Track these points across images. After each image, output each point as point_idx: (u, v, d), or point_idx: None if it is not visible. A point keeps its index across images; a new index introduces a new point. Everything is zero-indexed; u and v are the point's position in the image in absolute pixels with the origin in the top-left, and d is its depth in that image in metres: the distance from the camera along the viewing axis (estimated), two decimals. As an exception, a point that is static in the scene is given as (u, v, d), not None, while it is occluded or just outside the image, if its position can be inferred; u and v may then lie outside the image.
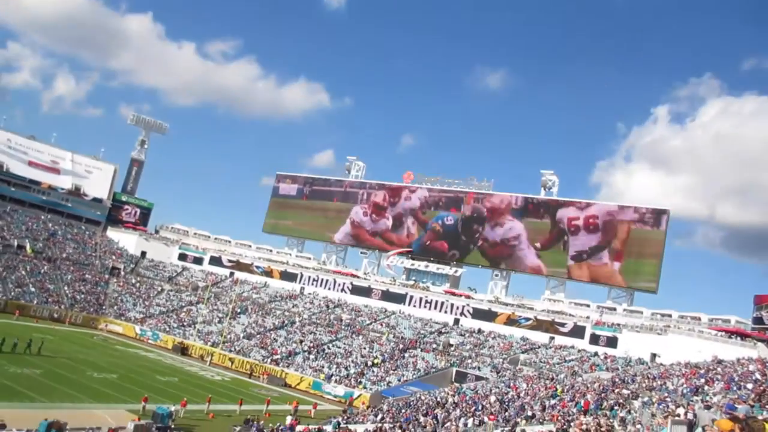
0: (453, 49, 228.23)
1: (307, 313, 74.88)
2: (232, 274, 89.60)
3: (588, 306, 69.71)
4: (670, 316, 64.68)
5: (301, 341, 64.45)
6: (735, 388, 24.91)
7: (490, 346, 64.69)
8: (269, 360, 59.07)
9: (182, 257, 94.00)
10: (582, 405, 28.37)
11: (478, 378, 54.35)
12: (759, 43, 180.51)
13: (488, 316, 70.72)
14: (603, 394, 31.39)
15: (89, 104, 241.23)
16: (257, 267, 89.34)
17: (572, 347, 62.61)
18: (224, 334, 64.27)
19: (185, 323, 69.96)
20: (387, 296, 78.01)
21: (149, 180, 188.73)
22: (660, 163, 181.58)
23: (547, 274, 74.21)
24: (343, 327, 69.77)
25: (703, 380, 29.44)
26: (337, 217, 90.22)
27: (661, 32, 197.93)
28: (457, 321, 72.11)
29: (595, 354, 59.84)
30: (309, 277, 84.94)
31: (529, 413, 30.16)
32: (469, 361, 60.36)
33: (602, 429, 16.37)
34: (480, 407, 33.87)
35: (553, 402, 32.87)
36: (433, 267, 79.83)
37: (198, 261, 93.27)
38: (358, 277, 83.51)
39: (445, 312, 73.52)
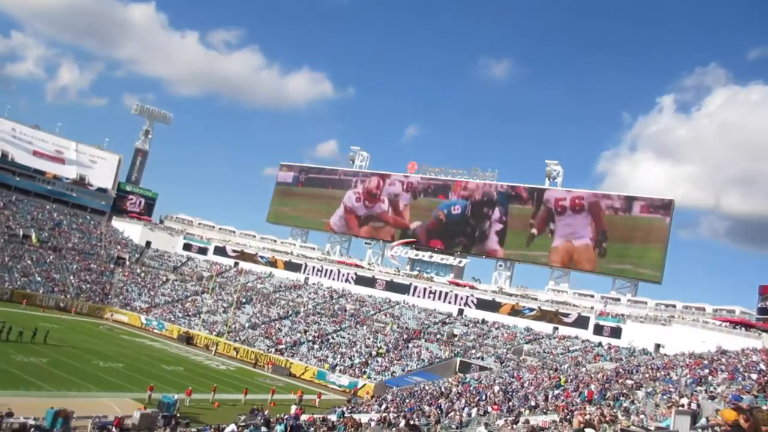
0: (457, 39, 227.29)
1: (312, 303, 75.10)
2: (236, 264, 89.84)
3: (592, 296, 69.72)
4: (674, 306, 64.63)
5: (306, 331, 64.69)
6: (739, 379, 24.93)
7: (494, 337, 64.81)
8: (274, 350, 59.33)
9: (187, 247, 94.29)
10: (585, 395, 28.45)
11: (482, 368, 54.49)
12: (765, 32, 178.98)
13: (492, 306, 70.80)
14: (606, 385, 31.48)
15: (93, 94, 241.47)
16: (261, 257, 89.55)
17: (576, 337, 62.66)
18: (229, 324, 64.55)
19: (190, 313, 70.28)
20: (391, 286, 78.14)
21: (153, 170, 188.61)
22: (665, 153, 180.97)
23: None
24: (347, 317, 69.98)
25: (707, 371, 29.46)
26: (332, 204, 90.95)
27: (667, 21, 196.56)
28: (461, 311, 72.22)
29: (599, 344, 59.91)
30: (313, 267, 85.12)
31: (533, 403, 30.26)
32: (473, 351, 60.50)
33: (606, 419, 16.40)
34: (484, 397, 34.01)
35: (556, 392, 32.98)
36: (437, 257, 79.83)
37: (202, 251, 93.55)
38: (362, 267, 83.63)
39: (449, 302, 73.63)
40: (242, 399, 37.95)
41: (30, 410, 24.75)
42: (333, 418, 29.67)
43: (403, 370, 55.00)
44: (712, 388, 22.95)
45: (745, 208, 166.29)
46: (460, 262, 79.08)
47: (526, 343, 62.33)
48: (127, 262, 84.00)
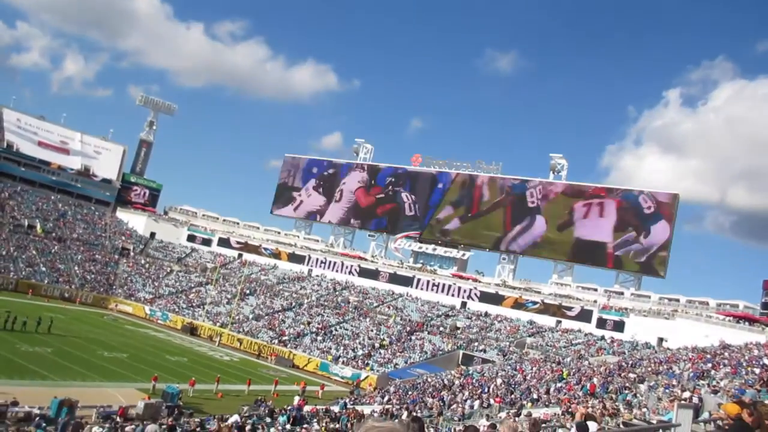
0: (463, 32, 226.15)
1: (315, 295, 75.25)
2: (240, 255, 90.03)
3: (595, 290, 69.67)
4: (677, 300, 64.56)
5: (309, 323, 64.86)
6: (743, 373, 24.92)
7: (497, 330, 64.88)
8: (277, 341, 59.54)
9: (191, 238, 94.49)
10: (588, 388, 28.49)
11: (485, 361, 54.56)
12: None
13: (495, 299, 70.83)
14: (609, 378, 31.52)
15: (98, 85, 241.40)
16: (265, 249, 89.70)
17: (579, 331, 62.66)
18: (233, 315, 64.75)
19: (194, 304, 70.52)
20: (394, 279, 78.23)
21: (158, 161, 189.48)
22: (671, 147, 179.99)
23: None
24: (350, 309, 70.13)
25: (710, 365, 29.46)
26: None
27: (674, 14, 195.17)
28: (464, 304, 72.29)
29: (602, 338, 59.93)
30: (317, 260, 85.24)
31: (535, 396, 30.34)
32: (476, 344, 60.58)
33: (608, 412, 16.44)
34: (486, 390, 34.09)
35: (559, 385, 33.03)
36: (440, 250, 79.85)
37: (207, 242, 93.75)
38: (365, 259, 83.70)
39: (453, 295, 73.68)
40: (246, 390, 38.12)
41: (35, 399, 24.94)
42: (336, 409, 29.83)
43: (406, 362, 55.14)
44: (714, 383, 22.97)
45: (751, 203, 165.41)
46: (463, 255, 79.07)
47: (529, 336, 62.38)
48: (132, 253, 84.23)
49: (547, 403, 27.50)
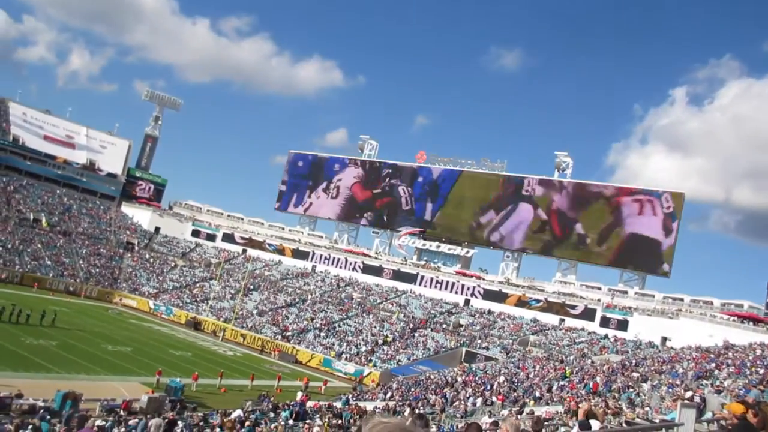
0: (468, 29, 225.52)
1: (319, 291, 75.35)
2: (244, 251, 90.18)
3: (599, 289, 69.50)
4: (681, 300, 64.33)
5: (312, 319, 64.97)
6: (747, 373, 24.86)
7: (500, 327, 64.84)
8: (280, 337, 59.66)
9: (195, 233, 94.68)
10: (591, 387, 28.47)
11: (488, 358, 54.57)
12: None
13: (499, 297, 70.77)
14: (612, 377, 31.48)
15: (104, 79, 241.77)
16: (269, 245, 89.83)
17: (582, 329, 62.56)
18: (236, 311, 64.90)
19: (198, 299, 70.72)
20: (398, 276, 78.22)
21: (163, 156, 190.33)
22: (676, 146, 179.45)
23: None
24: (354, 305, 70.19)
25: (713, 365, 29.40)
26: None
27: (681, 12, 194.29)
28: (467, 301, 72.25)
29: (605, 337, 59.80)
30: (321, 256, 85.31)
31: (538, 394, 30.33)
32: (479, 341, 60.58)
33: (610, 411, 16.41)
34: (489, 387, 34.10)
35: (562, 383, 33.02)
36: (444, 247, 79.76)
37: (211, 237, 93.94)
38: (369, 256, 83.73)
39: (456, 292, 73.64)
40: (249, 385, 38.26)
41: (39, 392, 25.08)
42: (338, 405, 29.90)
43: (409, 359, 55.20)
44: (718, 382, 22.92)
45: (756, 202, 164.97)
46: (467, 252, 78.98)
47: (532, 334, 62.32)
48: (136, 248, 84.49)
49: (548, 402, 27.50)
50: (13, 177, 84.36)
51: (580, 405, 16.80)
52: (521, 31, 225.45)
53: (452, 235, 79.97)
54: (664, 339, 56.89)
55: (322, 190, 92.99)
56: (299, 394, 33.82)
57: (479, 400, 29.50)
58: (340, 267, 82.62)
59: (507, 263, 76.78)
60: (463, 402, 29.64)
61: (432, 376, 43.61)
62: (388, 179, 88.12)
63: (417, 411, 23.91)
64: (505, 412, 24.28)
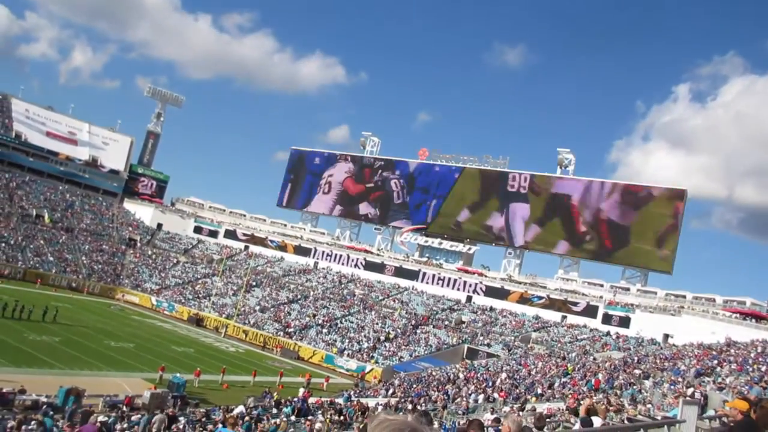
0: (470, 26, 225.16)
1: (321, 287, 75.40)
2: (246, 247, 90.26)
3: (601, 286, 69.42)
4: (684, 297, 64.22)
5: (315, 315, 65.05)
6: (749, 370, 24.85)
7: (502, 324, 64.84)
8: (283, 333, 59.75)
9: (198, 230, 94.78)
10: (593, 383, 28.46)
11: (490, 355, 54.61)
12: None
13: (501, 294, 70.76)
14: (614, 374, 31.47)
15: (106, 76, 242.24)
16: (272, 241, 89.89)
17: (584, 326, 62.55)
18: (239, 307, 65.00)
19: (200, 295, 70.82)
20: (400, 272, 78.25)
21: (165, 152, 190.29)
22: (679, 143, 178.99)
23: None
24: (356, 302, 70.24)
25: (715, 362, 29.38)
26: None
27: (684, 9, 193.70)
28: (469, 298, 72.27)
29: (607, 334, 59.78)
30: (323, 252, 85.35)
31: (540, 391, 30.33)
32: (481, 338, 60.61)
33: (612, 407, 16.40)
34: (491, 384, 34.11)
35: (564, 380, 33.01)
36: (446, 244, 79.70)
37: (213, 234, 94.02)
38: (371, 252, 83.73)
39: (458, 289, 73.63)
40: (251, 381, 38.32)
41: (42, 388, 25.15)
42: (340, 401, 29.93)
43: (411, 356, 55.25)
44: (720, 379, 22.92)
45: (759, 200, 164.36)
46: (469, 249, 78.92)
47: (534, 331, 62.34)
48: (139, 244, 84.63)
49: (549, 398, 27.49)
50: (16, 173, 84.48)
51: (581, 402, 16.80)
52: (523, 29, 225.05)
53: (454, 232, 79.93)
54: (666, 336, 56.87)
55: (316, 186, 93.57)
56: (301, 391, 33.88)
57: (481, 397, 29.50)
58: (342, 263, 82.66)
59: (509, 260, 76.73)
60: (464, 399, 29.66)
61: (434, 373, 43.64)
62: (380, 171, 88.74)
63: (419, 408, 23.94)
64: (506, 409, 24.28)
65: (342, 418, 24.48)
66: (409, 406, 25.37)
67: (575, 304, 65.94)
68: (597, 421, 9.70)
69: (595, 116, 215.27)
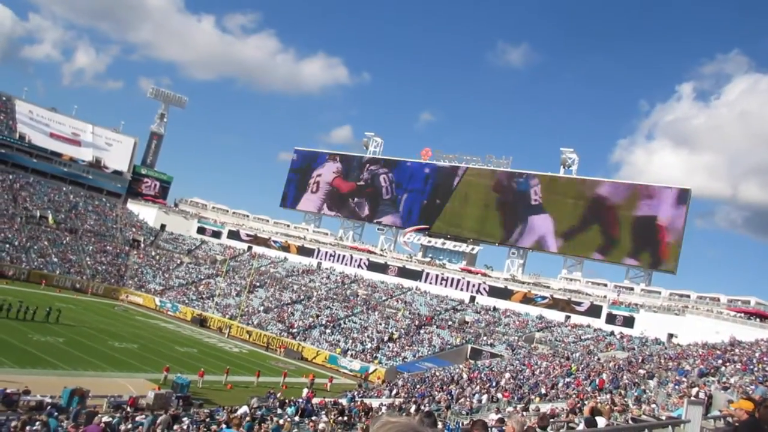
0: (473, 26, 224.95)
1: (324, 288, 75.42)
2: (250, 248, 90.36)
3: (605, 285, 69.28)
4: (688, 296, 64.05)
5: (318, 316, 65.06)
6: (754, 370, 24.76)
7: (506, 324, 64.77)
8: (286, 333, 59.77)
9: (201, 231, 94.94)
10: (597, 383, 28.39)
11: (493, 355, 54.56)
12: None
13: (504, 294, 70.67)
14: (618, 374, 31.40)
15: (109, 77, 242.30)
16: (275, 242, 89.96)
17: (588, 326, 62.43)
18: (242, 308, 65.07)
19: (204, 296, 70.91)
20: (403, 273, 78.21)
21: (168, 153, 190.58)
22: (683, 142, 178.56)
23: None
24: (359, 302, 70.24)
25: (720, 361, 29.30)
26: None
27: (687, 7, 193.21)
28: (473, 298, 72.20)
29: (611, 333, 59.65)
30: (326, 253, 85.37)
31: (543, 391, 30.28)
32: (485, 338, 60.56)
33: (616, 407, 16.37)
34: (494, 384, 34.07)
35: (567, 380, 32.95)
36: (449, 244, 79.64)
37: (216, 235, 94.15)
38: (374, 253, 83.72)
39: (461, 289, 73.56)
40: (254, 381, 38.35)
41: (47, 388, 25.21)
42: (344, 402, 29.92)
43: (415, 356, 55.21)
44: (724, 379, 22.84)
45: (763, 199, 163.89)
46: (472, 249, 78.84)
47: (538, 331, 62.26)
48: (142, 245, 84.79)
49: (552, 399, 27.45)
50: (20, 174, 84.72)
51: (585, 402, 16.78)
52: (526, 28, 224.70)
53: (458, 232, 79.85)
54: (671, 335, 56.74)
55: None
56: (305, 391, 33.90)
57: (485, 397, 29.47)
58: (346, 264, 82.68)
59: (512, 260, 76.64)
60: (468, 399, 29.63)
61: (437, 373, 43.60)
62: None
63: (424, 408, 23.92)
64: (510, 409, 24.26)
65: (346, 418, 24.46)
66: (413, 407, 25.34)
67: (579, 303, 65.82)
68: (601, 422, 9.68)
69: (599, 115, 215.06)
